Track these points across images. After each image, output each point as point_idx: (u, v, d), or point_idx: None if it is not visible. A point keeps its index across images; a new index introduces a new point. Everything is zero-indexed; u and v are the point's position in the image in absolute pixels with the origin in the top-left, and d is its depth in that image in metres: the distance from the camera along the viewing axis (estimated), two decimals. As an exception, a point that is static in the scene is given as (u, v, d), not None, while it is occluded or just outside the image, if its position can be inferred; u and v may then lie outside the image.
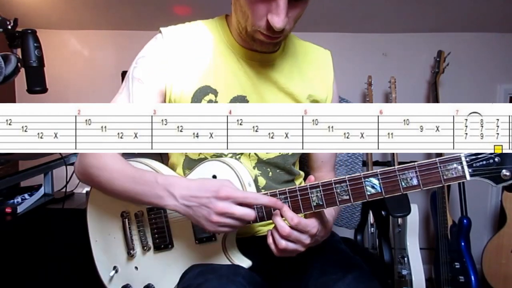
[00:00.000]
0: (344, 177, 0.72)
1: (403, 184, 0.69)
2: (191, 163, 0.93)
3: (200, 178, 0.81)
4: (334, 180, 0.73)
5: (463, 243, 1.94)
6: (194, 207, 0.75)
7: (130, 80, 0.90)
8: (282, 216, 0.75)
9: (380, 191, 0.70)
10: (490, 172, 0.67)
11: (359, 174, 0.72)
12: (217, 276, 0.75)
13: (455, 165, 0.67)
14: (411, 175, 0.69)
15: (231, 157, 0.91)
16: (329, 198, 0.73)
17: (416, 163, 0.68)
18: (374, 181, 0.71)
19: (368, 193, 0.71)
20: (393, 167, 0.70)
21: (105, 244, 0.97)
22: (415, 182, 0.69)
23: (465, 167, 0.67)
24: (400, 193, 0.69)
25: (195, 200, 0.75)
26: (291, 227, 0.74)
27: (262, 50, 0.88)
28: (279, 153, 0.94)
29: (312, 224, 0.75)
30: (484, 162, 0.67)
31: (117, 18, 2.16)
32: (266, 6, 0.76)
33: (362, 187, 0.71)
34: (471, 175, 0.67)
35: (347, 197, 0.72)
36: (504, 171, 0.66)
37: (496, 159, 0.66)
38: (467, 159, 0.67)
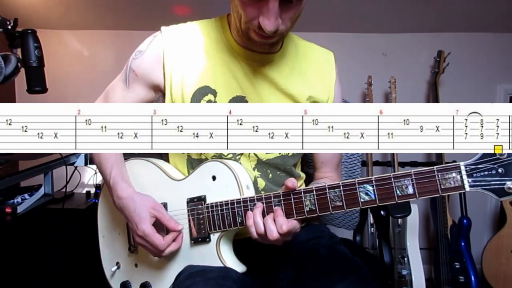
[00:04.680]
0: (338, 182, 0.71)
1: (398, 192, 0.66)
2: (194, 162, 0.93)
3: (141, 197, 0.88)
4: (328, 185, 0.72)
5: (463, 243, 1.94)
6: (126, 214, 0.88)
7: (128, 68, 0.94)
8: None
9: (374, 198, 0.68)
10: (492, 184, 0.61)
11: (353, 180, 0.70)
12: (205, 279, 0.75)
13: (453, 174, 0.63)
14: (406, 183, 0.66)
15: (231, 157, 0.91)
16: (322, 203, 0.72)
17: (412, 170, 0.66)
18: (369, 187, 0.68)
19: (362, 200, 0.69)
20: (388, 174, 0.67)
21: (111, 239, 0.99)
22: (410, 190, 0.66)
23: (464, 177, 0.62)
24: (395, 202, 0.66)
25: (126, 212, 0.87)
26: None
27: (259, 50, 0.88)
28: (279, 153, 0.93)
29: (297, 226, 0.76)
30: (486, 173, 0.61)
31: (117, 18, 2.16)
32: (257, 9, 0.76)
33: (356, 193, 0.69)
34: (470, 186, 0.62)
35: (340, 203, 0.71)
36: (508, 184, 0.60)
37: (499, 170, 0.61)
38: (467, 168, 0.62)
